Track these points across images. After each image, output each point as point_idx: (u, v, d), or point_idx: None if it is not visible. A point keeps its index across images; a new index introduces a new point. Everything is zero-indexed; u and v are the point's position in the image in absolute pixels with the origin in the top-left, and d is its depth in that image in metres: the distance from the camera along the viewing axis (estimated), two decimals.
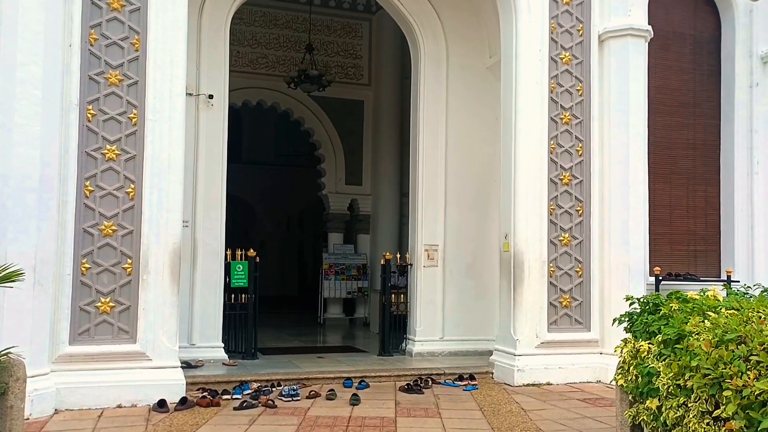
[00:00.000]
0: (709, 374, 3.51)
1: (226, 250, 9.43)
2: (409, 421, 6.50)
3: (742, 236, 10.05)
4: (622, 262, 8.79)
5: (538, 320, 8.55)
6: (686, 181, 10.10)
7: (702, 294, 4.83)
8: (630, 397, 4.78)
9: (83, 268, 6.89)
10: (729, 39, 10.27)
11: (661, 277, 9.28)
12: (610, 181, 8.94)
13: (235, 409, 6.80)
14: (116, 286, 7.00)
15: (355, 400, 7.16)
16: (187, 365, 8.19)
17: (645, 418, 4.41)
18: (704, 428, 3.60)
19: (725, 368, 3.43)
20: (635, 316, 5.00)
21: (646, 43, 9.09)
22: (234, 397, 7.26)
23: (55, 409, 6.54)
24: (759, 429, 3.14)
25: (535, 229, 8.62)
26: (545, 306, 8.61)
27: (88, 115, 7.00)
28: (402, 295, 10.51)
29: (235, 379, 7.84)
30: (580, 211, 8.88)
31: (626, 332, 5.09)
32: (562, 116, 8.85)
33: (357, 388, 7.86)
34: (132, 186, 7.11)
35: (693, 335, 3.92)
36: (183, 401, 6.81)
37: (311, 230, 23.25)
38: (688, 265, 10.00)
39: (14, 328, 6.12)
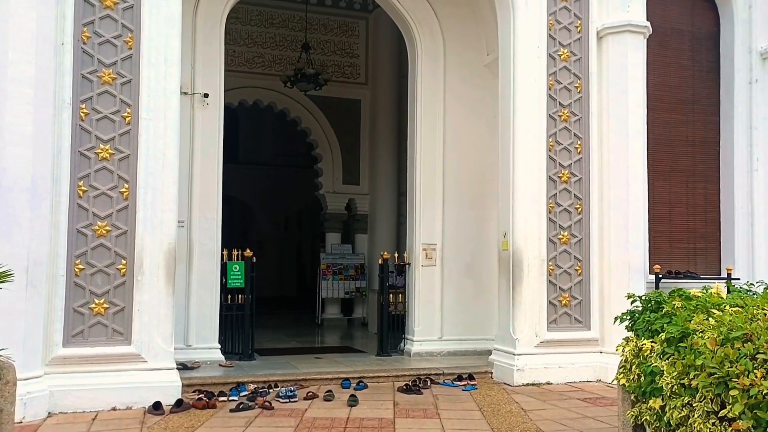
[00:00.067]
0: (715, 373, 3.43)
1: (222, 250, 9.35)
2: (408, 422, 6.42)
3: (742, 234, 10.00)
4: (621, 260, 8.71)
5: (537, 319, 8.47)
6: (686, 179, 10.05)
7: (705, 291, 4.75)
8: (632, 397, 4.70)
9: (77, 269, 6.80)
10: (728, 35, 10.22)
11: (661, 275, 9.23)
12: (609, 178, 8.87)
13: (231, 411, 6.71)
14: (110, 287, 6.91)
15: (353, 401, 7.08)
16: (183, 367, 8.11)
17: (648, 418, 4.32)
18: (710, 428, 3.52)
19: (731, 367, 3.35)
20: (637, 314, 4.92)
21: (645, 40, 9.02)
22: (230, 398, 7.17)
23: (49, 413, 6.44)
24: (767, 429, 3.06)
25: (534, 227, 8.55)
26: (544, 305, 8.53)
27: (81, 114, 6.91)
28: (400, 295, 10.43)
29: (232, 381, 7.76)
30: (579, 209, 8.80)
31: (628, 331, 5.01)
32: (561, 113, 8.77)
33: (355, 389, 7.78)
34: (126, 186, 7.02)
35: (697, 333, 3.84)
36: (178, 403, 6.72)
37: (309, 230, 23.17)
38: (687, 263, 9.95)
39: (6, 330, 6.00)
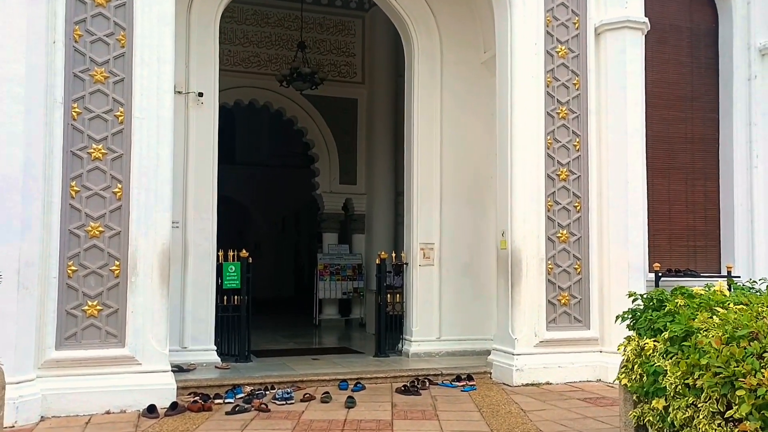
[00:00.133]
0: (721, 373, 3.35)
1: (218, 251, 9.26)
2: (406, 423, 6.33)
3: (742, 231, 9.94)
4: (621, 258, 8.63)
5: (536, 319, 8.39)
6: (685, 176, 9.99)
7: (708, 289, 4.66)
8: (634, 397, 4.61)
9: (69, 271, 6.70)
10: (726, 31, 10.15)
11: (660, 274, 9.15)
12: (608, 176, 8.79)
13: (227, 413, 6.62)
14: (104, 289, 6.81)
15: (350, 403, 6.98)
16: (178, 369, 8.02)
17: (651, 418, 4.24)
18: (715, 429, 3.43)
19: (738, 366, 3.27)
20: (639, 313, 4.83)
21: (643, 36, 8.94)
22: (226, 401, 7.08)
23: (42, 416, 6.34)
24: None
25: (532, 225, 8.46)
26: (544, 304, 8.45)
27: (74, 114, 6.81)
28: (398, 295, 10.34)
29: (228, 383, 7.66)
30: (578, 207, 8.72)
31: (629, 330, 4.91)
32: (559, 111, 8.69)
33: (353, 391, 7.69)
34: (119, 186, 6.92)
35: (701, 332, 3.75)
36: (173, 406, 6.62)
37: (307, 231, 23.08)
38: (687, 261, 9.89)
39: None
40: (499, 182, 8.81)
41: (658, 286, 8.70)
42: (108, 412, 6.57)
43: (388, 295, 10.23)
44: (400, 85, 12.27)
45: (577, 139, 8.75)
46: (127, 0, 7.04)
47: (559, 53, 8.76)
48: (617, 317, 5.06)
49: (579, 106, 8.79)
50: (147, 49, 7.07)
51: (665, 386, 3.95)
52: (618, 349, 4.87)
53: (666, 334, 4.16)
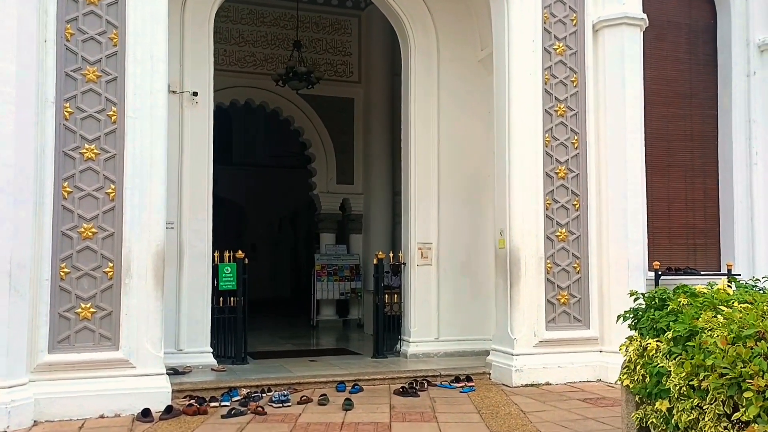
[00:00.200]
0: (727, 374, 3.26)
1: (213, 252, 9.16)
2: (405, 426, 6.24)
3: (742, 229, 9.85)
4: (620, 256, 8.54)
5: (535, 318, 8.30)
6: (684, 174, 9.90)
7: (710, 288, 4.57)
8: (637, 399, 4.52)
9: (62, 273, 6.59)
10: (725, 27, 10.07)
11: (660, 272, 9.07)
12: (607, 174, 8.71)
13: (222, 416, 6.53)
14: (97, 291, 6.70)
15: (348, 405, 6.90)
16: (174, 372, 7.94)
17: (654, 420, 4.15)
18: None
19: (744, 367, 3.18)
20: (640, 312, 4.75)
21: (642, 32, 8.85)
22: (222, 404, 6.99)
23: (35, 421, 6.24)
24: None
25: (531, 224, 8.38)
26: (543, 304, 8.36)
27: (65, 113, 6.70)
28: (396, 296, 10.26)
29: (224, 386, 7.57)
30: (577, 206, 8.64)
31: (631, 329, 4.83)
32: (557, 108, 8.61)
33: (350, 393, 7.61)
34: (112, 186, 6.81)
35: (706, 332, 3.67)
36: (168, 410, 6.53)
37: (305, 232, 22.98)
38: (687, 259, 9.80)
39: None
40: (497, 181, 8.72)
41: (657, 285, 8.62)
42: (102, 417, 6.47)
43: (386, 296, 10.14)
44: (396, 83, 12.15)
45: (576, 137, 8.67)
46: None
47: (557, 50, 8.67)
48: (619, 317, 4.98)
49: (577, 103, 8.71)
50: (140, 47, 6.97)
51: (669, 387, 3.86)
52: (619, 350, 4.77)
53: (669, 334, 4.07)
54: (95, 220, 6.75)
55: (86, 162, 6.75)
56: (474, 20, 10.36)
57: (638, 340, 4.54)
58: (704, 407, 3.50)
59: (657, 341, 4.25)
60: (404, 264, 10.16)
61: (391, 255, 10.44)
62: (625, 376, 4.56)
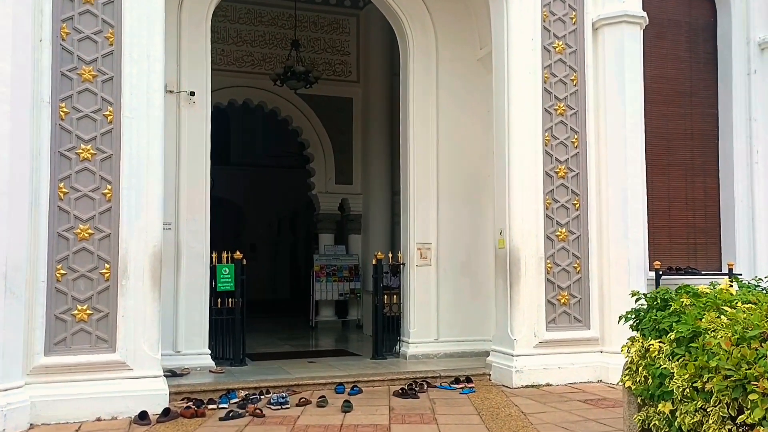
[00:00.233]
0: (731, 375, 3.21)
1: (211, 252, 9.10)
2: (404, 428, 6.18)
3: (743, 228, 9.79)
4: (621, 256, 8.49)
5: (536, 319, 8.25)
6: (684, 173, 9.84)
7: (713, 287, 4.52)
8: (639, 400, 4.47)
9: (58, 274, 6.53)
10: (725, 26, 10.01)
11: (661, 272, 9.01)
12: (607, 173, 8.65)
13: (220, 419, 6.47)
14: (94, 293, 6.64)
15: (347, 407, 6.84)
16: (171, 374, 7.88)
17: (657, 422, 4.09)
18: None
19: (749, 369, 3.13)
20: (642, 313, 4.70)
21: (642, 31, 8.80)
22: (220, 406, 6.92)
23: (31, 424, 6.18)
24: None
25: (530, 224, 8.32)
26: (543, 304, 8.31)
27: (61, 113, 6.64)
28: (395, 296, 10.20)
29: (222, 388, 7.51)
30: (577, 205, 8.59)
31: (633, 330, 4.78)
32: (557, 107, 8.56)
33: (349, 394, 7.55)
34: (109, 187, 6.75)
35: (709, 332, 3.61)
36: (166, 412, 6.46)
37: (304, 232, 22.93)
38: (688, 259, 9.75)
39: None
40: (497, 180, 8.67)
41: (658, 285, 8.57)
42: (99, 419, 6.41)
43: (385, 296, 10.09)
44: (395, 83, 12.11)
45: (576, 136, 8.62)
46: None
47: (557, 49, 8.62)
48: (620, 317, 4.93)
49: (577, 102, 8.66)
50: (136, 47, 6.91)
51: (672, 389, 3.81)
52: (621, 351, 4.72)
53: (672, 335, 4.02)
54: (91, 221, 6.69)
55: (82, 162, 6.69)
56: (473, 19, 10.31)
57: (640, 341, 4.49)
58: (708, 409, 3.45)
59: (659, 342, 4.20)
60: (403, 264, 10.11)
61: (390, 255, 10.39)
62: (627, 377, 4.51)
